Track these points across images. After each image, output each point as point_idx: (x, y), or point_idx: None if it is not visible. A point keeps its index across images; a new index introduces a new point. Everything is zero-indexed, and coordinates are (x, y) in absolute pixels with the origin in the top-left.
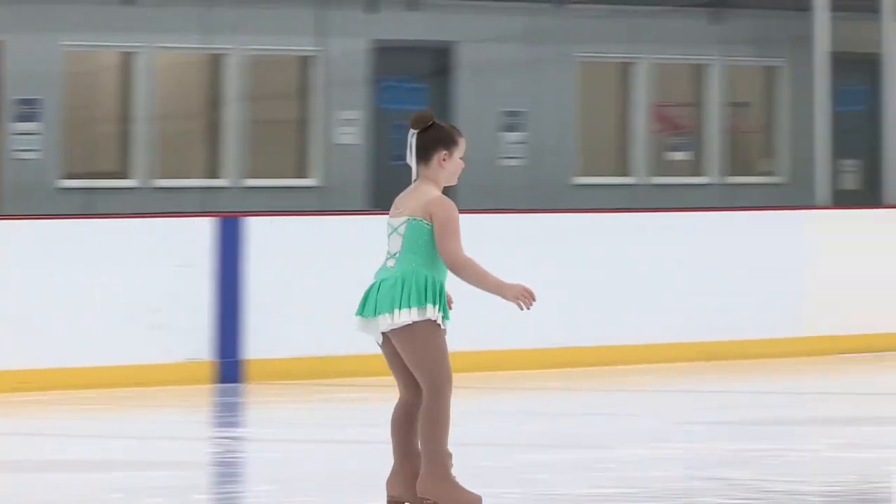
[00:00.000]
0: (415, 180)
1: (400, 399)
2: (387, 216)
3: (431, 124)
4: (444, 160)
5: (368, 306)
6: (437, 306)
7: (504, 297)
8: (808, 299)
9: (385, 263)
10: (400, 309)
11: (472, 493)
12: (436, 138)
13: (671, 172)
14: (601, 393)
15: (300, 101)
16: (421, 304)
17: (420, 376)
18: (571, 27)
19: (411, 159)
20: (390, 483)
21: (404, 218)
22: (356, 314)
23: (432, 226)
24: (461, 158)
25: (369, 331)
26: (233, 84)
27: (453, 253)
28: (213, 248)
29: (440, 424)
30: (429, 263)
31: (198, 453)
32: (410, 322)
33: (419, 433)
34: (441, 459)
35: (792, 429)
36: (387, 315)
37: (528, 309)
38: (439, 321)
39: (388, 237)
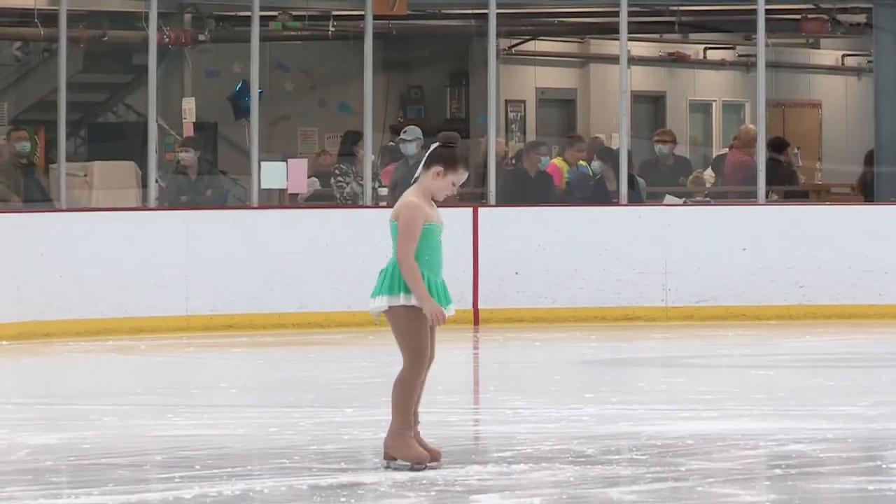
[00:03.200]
0: (413, 181)
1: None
2: None
3: (449, 144)
4: (437, 175)
5: (373, 290)
6: (409, 293)
7: (423, 307)
8: None
9: None
10: (379, 296)
11: (422, 451)
12: (440, 155)
13: None
14: None
15: None
16: (393, 293)
17: (400, 350)
18: None
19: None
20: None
21: (391, 219)
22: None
23: None
24: (453, 184)
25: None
26: None
27: (401, 252)
28: None
29: (408, 391)
30: (420, 256)
31: None
32: (386, 307)
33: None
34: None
35: None
36: (373, 299)
37: (439, 325)
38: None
39: None
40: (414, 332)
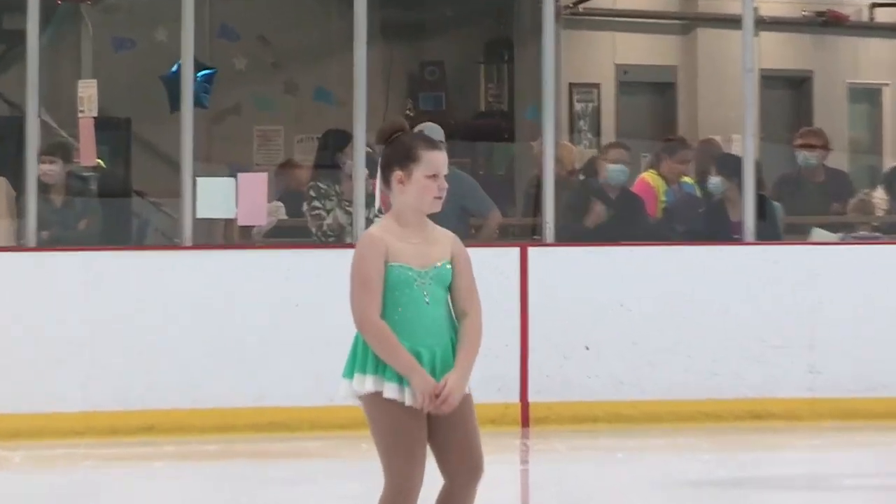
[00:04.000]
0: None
1: None
2: None
3: (394, 136)
4: (401, 182)
5: None
6: (371, 374)
7: (411, 384)
8: None
9: None
10: (343, 378)
11: None
12: (389, 157)
13: None
14: None
15: None
16: (357, 374)
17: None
18: None
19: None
20: None
21: None
22: None
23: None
24: (431, 177)
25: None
26: None
27: (353, 308)
28: None
29: None
30: (386, 315)
31: None
32: (354, 397)
33: None
34: None
35: None
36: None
37: (426, 410)
38: (390, 394)
39: None
40: (391, 433)
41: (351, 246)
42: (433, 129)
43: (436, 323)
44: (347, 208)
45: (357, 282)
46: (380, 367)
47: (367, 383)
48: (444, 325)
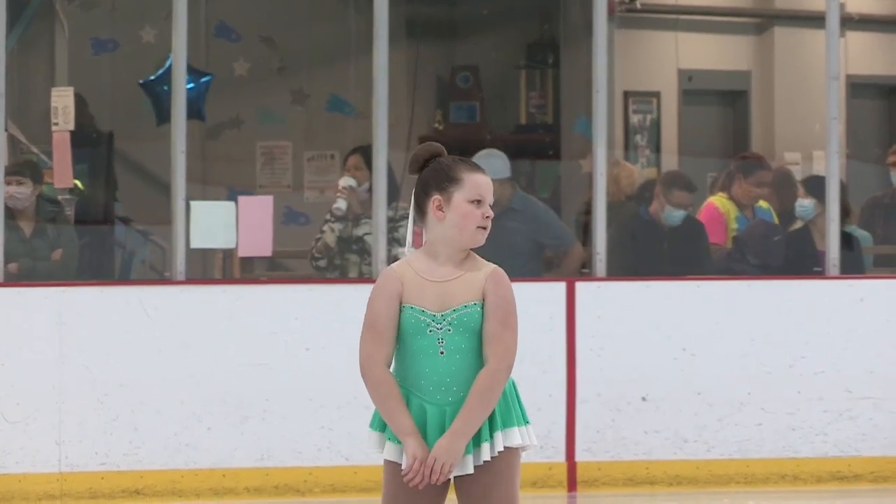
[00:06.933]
0: (409, 248)
1: None
2: None
3: (433, 157)
4: (438, 209)
5: None
6: (377, 430)
7: (405, 449)
8: None
9: None
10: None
11: None
12: (424, 179)
13: None
14: None
15: None
16: (372, 430)
17: None
18: None
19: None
20: None
21: None
22: None
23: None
24: (475, 202)
25: None
26: None
27: (360, 350)
28: None
29: None
30: (399, 365)
31: None
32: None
33: None
34: None
35: None
36: None
37: (416, 481)
38: (390, 455)
39: None
40: (389, 499)
41: (362, 281)
42: (494, 157)
43: (451, 376)
44: (332, 224)
45: (365, 324)
46: (385, 423)
47: (372, 440)
48: (463, 380)
